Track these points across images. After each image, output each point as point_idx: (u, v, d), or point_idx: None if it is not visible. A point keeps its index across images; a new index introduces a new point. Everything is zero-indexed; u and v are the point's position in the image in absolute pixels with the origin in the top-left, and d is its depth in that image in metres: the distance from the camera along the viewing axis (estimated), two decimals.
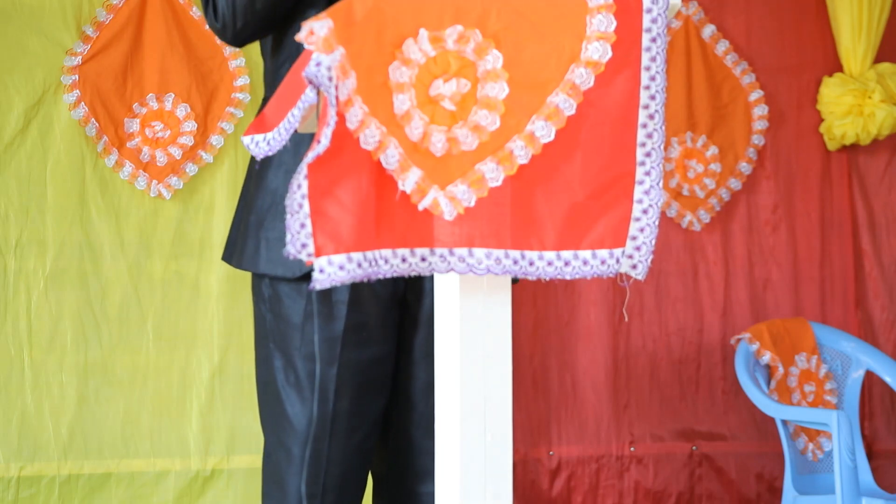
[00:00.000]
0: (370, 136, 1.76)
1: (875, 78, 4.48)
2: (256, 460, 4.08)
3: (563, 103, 1.84)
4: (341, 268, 1.73)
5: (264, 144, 1.86)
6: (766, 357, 4.10)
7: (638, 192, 1.88)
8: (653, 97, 1.88)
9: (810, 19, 4.59)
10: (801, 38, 4.58)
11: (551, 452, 4.33)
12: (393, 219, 1.80)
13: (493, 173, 1.84)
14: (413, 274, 1.83)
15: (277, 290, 2.47)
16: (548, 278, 1.89)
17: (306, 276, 2.39)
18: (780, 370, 4.11)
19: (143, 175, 4.10)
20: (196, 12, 4.14)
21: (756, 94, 4.52)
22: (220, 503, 4.11)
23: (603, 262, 1.88)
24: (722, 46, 4.51)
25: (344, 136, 1.74)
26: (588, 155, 1.87)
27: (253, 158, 2.52)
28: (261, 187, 2.48)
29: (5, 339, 4.00)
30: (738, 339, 4.16)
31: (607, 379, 4.38)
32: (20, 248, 4.02)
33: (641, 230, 1.88)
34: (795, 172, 4.56)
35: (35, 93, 4.05)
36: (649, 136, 1.88)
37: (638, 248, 1.89)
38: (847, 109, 4.46)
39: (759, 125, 4.51)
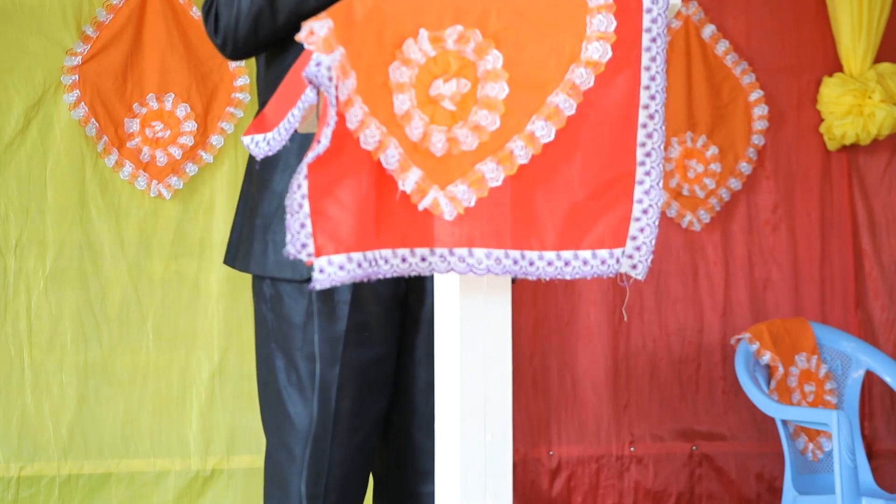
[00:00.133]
0: (370, 136, 1.76)
1: (875, 78, 4.48)
2: (256, 460, 4.08)
3: (563, 103, 1.84)
4: (341, 268, 1.73)
5: (264, 144, 1.86)
6: (766, 357, 4.10)
7: (638, 192, 1.88)
8: (653, 97, 1.88)
9: (810, 19, 4.59)
10: (801, 38, 4.58)
11: (551, 452, 4.33)
12: (393, 219, 1.80)
13: (493, 173, 1.84)
14: (413, 274, 1.83)
15: (279, 290, 2.47)
16: (548, 278, 1.89)
17: (308, 277, 2.39)
18: (780, 370, 4.11)
19: (143, 175, 4.10)
20: (196, 12, 4.14)
21: (756, 94, 4.52)
22: (220, 503, 4.11)
23: (603, 262, 1.88)
24: (722, 46, 4.51)
25: (344, 136, 1.74)
26: (588, 155, 1.87)
27: (252, 159, 2.52)
28: (266, 190, 2.49)
29: (5, 339, 4.00)
30: (738, 339, 4.16)
31: (607, 379, 4.38)
32: (20, 248, 4.02)
33: (641, 230, 1.88)
34: (795, 172, 4.56)
35: (35, 93, 4.05)
36: (649, 136, 1.88)
37: (638, 248, 1.89)
38: (847, 109, 4.46)
39: (759, 125, 4.51)
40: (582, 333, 4.39)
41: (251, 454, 4.10)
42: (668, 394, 4.42)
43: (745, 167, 4.49)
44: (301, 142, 2.34)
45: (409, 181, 1.79)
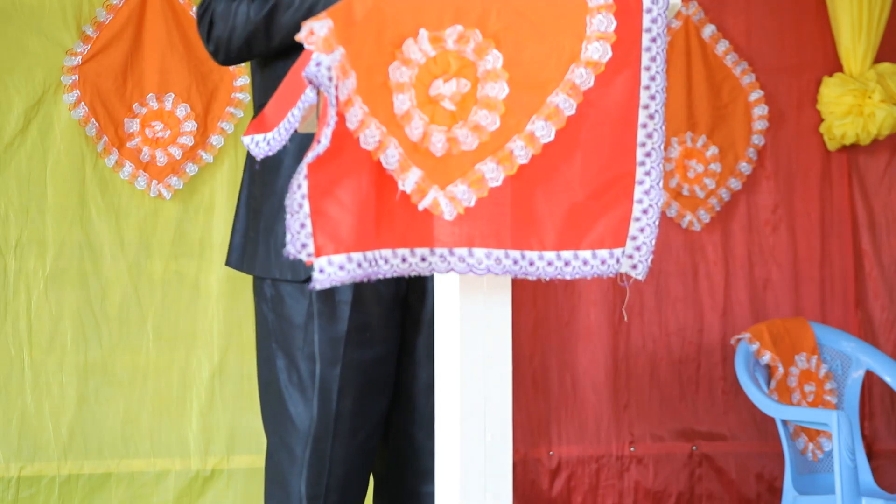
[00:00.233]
0: (370, 136, 1.76)
1: (875, 78, 4.48)
2: (256, 460, 4.08)
3: (563, 103, 1.84)
4: (341, 268, 1.73)
5: (264, 144, 1.86)
6: (766, 357, 4.10)
7: (638, 192, 1.88)
8: (653, 97, 1.88)
9: (810, 19, 4.58)
10: (801, 38, 4.58)
11: (551, 452, 4.33)
12: (393, 219, 1.80)
13: (493, 173, 1.84)
14: (413, 274, 1.83)
15: (280, 290, 2.47)
16: (548, 278, 1.89)
17: (308, 277, 2.39)
18: (780, 370, 4.11)
19: (143, 175, 4.10)
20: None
21: (756, 94, 4.51)
22: (220, 503, 4.11)
23: (603, 262, 1.88)
24: (722, 46, 4.51)
25: (344, 136, 1.74)
26: (588, 155, 1.87)
27: (252, 159, 2.52)
28: (267, 191, 2.49)
29: (5, 339, 4.00)
30: (738, 339, 4.16)
31: (607, 379, 4.38)
32: (20, 248, 4.02)
33: (641, 230, 1.88)
34: (795, 172, 4.55)
35: (35, 93, 4.05)
36: (649, 136, 1.88)
37: (638, 248, 1.89)
38: (847, 109, 4.46)
39: (759, 125, 4.51)
40: (582, 333, 4.39)
41: (251, 454, 4.10)
42: (668, 394, 4.42)
43: (745, 167, 4.49)
44: (300, 142, 2.34)
45: (409, 181, 1.79)
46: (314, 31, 1.70)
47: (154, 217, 4.13)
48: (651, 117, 1.88)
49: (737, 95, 4.51)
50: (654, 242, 1.89)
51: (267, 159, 2.40)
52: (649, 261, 1.90)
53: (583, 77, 1.85)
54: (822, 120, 4.55)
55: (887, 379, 4.15)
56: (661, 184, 1.89)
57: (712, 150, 4.47)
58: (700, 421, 4.42)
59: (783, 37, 4.57)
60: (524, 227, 1.86)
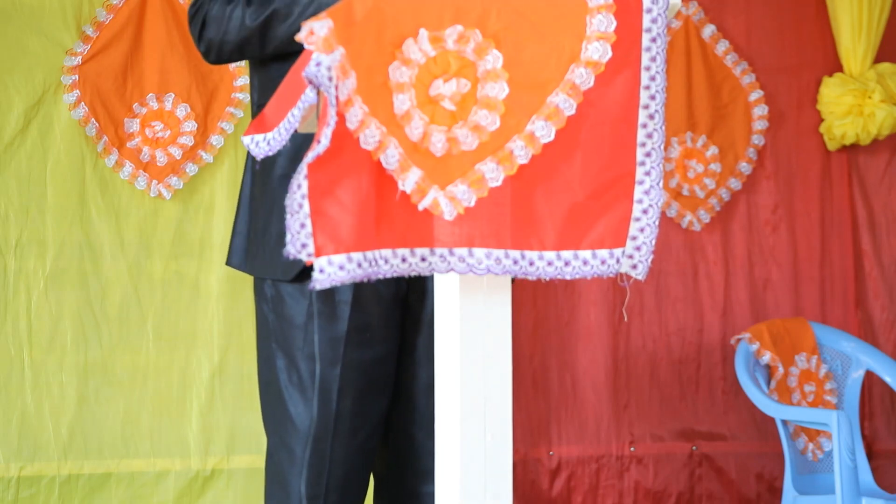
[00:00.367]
0: (370, 136, 1.76)
1: (875, 78, 4.48)
2: (256, 460, 4.08)
3: (563, 103, 1.84)
4: (341, 268, 1.73)
5: (264, 144, 1.86)
6: (766, 357, 4.10)
7: (638, 192, 1.88)
8: (653, 97, 1.88)
9: (810, 19, 4.58)
10: (801, 38, 4.58)
11: (551, 452, 4.33)
12: (393, 219, 1.80)
13: (493, 173, 1.84)
14: (413, 274, 1.83)
15: (280, 290, 2.47)
16: (548, 278, 1.89)
17: (309, 277, 2.39)
18: (780, 370, 4.11)
19: (143, 175, 4.10)
20: None
21: (756, 94, 4.51)
22: (220, 503, 4.11)
23: (603, 262, 1.88)
24: (722, 46, 4.51)
25: (344, 136, 1.74)
26: (588, 155, 1.87)
27: (253, 160, 2.52)
28: (266, 191, 2.49)
29: (5, 339, 4.00)
30: (738, 339, 4.16)
31: (607, 379, 4.38)
32: (20, 248, 4.02)
33: (641, 230, 1.88)
34: (795, 172, 4.55)
35: (35, 93, 4.05)
36: (649, 136, 1.88)
37: (638, 248, 1.89)
38: (847, 109, 4.46)
39: (759, 125, 4.51)
40: (582, 333, 4.39)
41: (251, 454, 4.10)
42: (668, 394, 4.42)
43: (745, 167, 4.49)
44: (296, 143, 2.34)
45: (409, 181, 1.79)
46: (314, 31, 1.70)
47: (154, 217, 4.13)
48: (651, 117, 1.88)
49: (737, 95, 4.51)
50: (654, 242, 1.89)
51: (266, 160, 2.40)
52: (649, 261, 1.90)
53: (583, 77, 1.85)
54: (822, 120, 4.55)
55: (887, 379, 4.15)
56: (661, 184, 1.89)
57: (712, 150, 4.47)
58: (700, 421, 4.42)
59: (783, 37, 4.57)
60: (524, 227, 1.86)
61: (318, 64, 1.69)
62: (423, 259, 1.83)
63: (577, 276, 1.88)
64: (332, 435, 2.43)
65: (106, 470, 4.04)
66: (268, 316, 2.50)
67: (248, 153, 2.35)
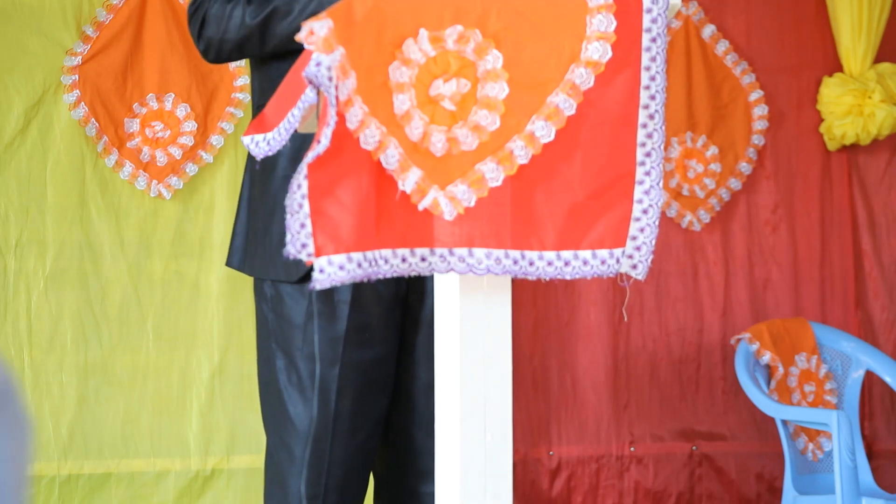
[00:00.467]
0: (370, 136, 1.76)
1: (875, 78, 4.48)
2: (256, 460, 4.08)
3: (563, 103, 1.85)
4: (341, 268, 1.74)
5: (264, 144, 1.86)
6: (766, 357, 4.10)
7: (638, 192, 1.88)
8: (653, 97, 1.88)
9: (810, 19, 4.58)
10: (801, 38, 4.58)
11: (551, 452, 4.33)
12: (393, 219, 1.80)
13: (493, 173, 1.84)
14: (413, 274, 1.83)
15: (280, 290, 2.47)
16: (548, 278, 1.89)
17: (309, 277, 2.39)
18: (780, 370, 4.11)
19: (143, 175, 4.10)
20: None
21: (756, 94, 4.51)
22: (220, 503, 4.11)
23: (603, 262, 1.88)
24: (722, 46, 4.51)
25: (344, 136, 1.74)
26: (588, 155, 1.87)
27: (252, 160, 2.52)
28: (266, 191, 2.49)
29: (5, 339, 4.00)
30: (738, 339, 4.16)
31: (607, 379, 4.38)
32: (20, 248, 4.02)
33: (641, 230, 1.88)
34: (795, 172, 4.55)
35: (35, 93, 4.05)
36: (649, 136, 1.88)
37: (638, 248, 1.89)
38: (847, 109, 4.46)
39: (759, 125, 4.51)
40: (582, 333, 4.39)
41: (251, 454, 4.10)
42: (668, 394, 4.42)
43: (745, 167, 4.49)
44: (296, 144, 2.34)
45: (409, 181, 1.80)
46: (314, 31, 1.70)
47: (154, 217, 4.12)
48: (651, 117, 1.88)
49: (737, 95, 4.51)
50: (654, 242, 1.89)
51: (265, 160, 2.40)
52: (649, 261, 1.90)
53: (583, 77, 1.85)
54: (822, 120, 4.55)
55: (887, 379, 4.15)
56: (661, 184, 1.89)
57: (712, 150, 4.47)
58: (700, 421, 4.42)
59: (783, 37, 4.57)
60: (524, 227, 1.86)
61: (318, 64, 1.69)
62: (423, 259, 1.83)
63: (577, 276, 1.88)
64: (332, 435, 2.43)
65: (106, 470, 4.04)
66: (267, 316, 2.50)
67: (248, 153, 2.35)
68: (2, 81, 4.02)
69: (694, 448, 4.41)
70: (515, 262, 1.85)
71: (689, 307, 4.45)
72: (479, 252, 1.84)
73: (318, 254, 1.72)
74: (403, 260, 1.82)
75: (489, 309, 1.91)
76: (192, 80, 4.15)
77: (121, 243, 4.09)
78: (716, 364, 4.45)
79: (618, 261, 1.89)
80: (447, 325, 1.91)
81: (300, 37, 1.70)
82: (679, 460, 4.41)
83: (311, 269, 1.74)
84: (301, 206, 1.70)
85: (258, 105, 2.52)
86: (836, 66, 4.57)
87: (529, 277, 1.88)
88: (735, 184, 4.49)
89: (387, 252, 1.80)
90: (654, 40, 1.87)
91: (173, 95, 4.13)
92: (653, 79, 1.87)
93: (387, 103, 1.78)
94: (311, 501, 2.44)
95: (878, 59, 4.56)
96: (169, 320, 4.11)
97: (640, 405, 4.39)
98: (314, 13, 2.32)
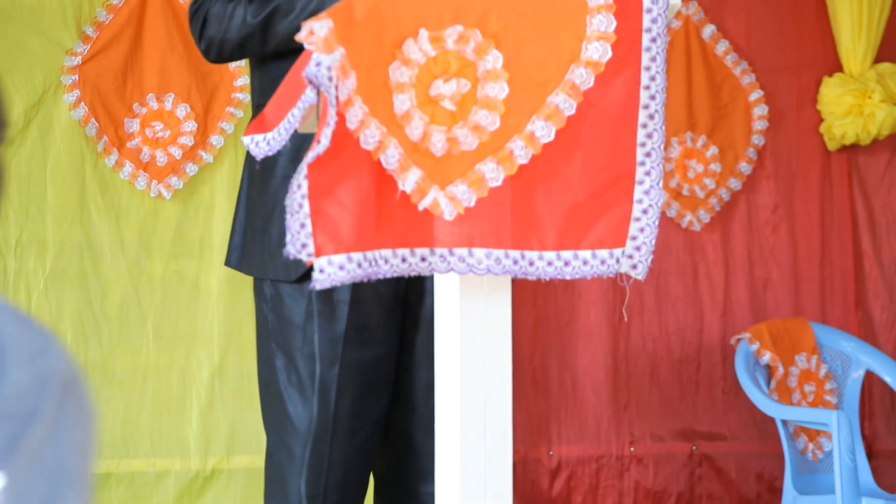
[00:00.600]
0: (370, 136, 1.76)
1: (875, 78, 4.48)
2: (256, 460, 4.08)
3: (563, 103, 1.85)
4: (341, 268, 1.74)
5: (264, 144, 1.86)
6: (766, 357, 4.10)
7: (638, 192, 1.88)
8: (653, 97, 1.88)
9: (810, 19, 4.58)
10: (801, 38, 4.58)
11: (551, 452, 4.33)
12: (393, 219, 1.80)
13: (494, 173, 1.84)
14: (413, 274, 1.83)
15: (279, 290, 2.47)
16: (548, 278, 1.89)
17: (308, 277, 2.39)
18: (780, 370, 4.11)
19: (143, 175, 4.10)
20: None
21: (756, 94, 4.51)
22: (220, 503, 4.11)
23: (603, 262, 1.88)
24: (722, 46, 4.51)
25: (344, 136, 1.74)
26: (588, 155, 1.87)
27: (252, 160, 2.52)
28: (265, 191, 2.49)
29: None
30: (738, 339, 4.16)
31: (607, 379, 4.38)
32: (20, 248, 4.02)
33: (641, 230, 1.88)
34: (795, 172, 4.55)
35: (35, 93, 4.05)
36: (649, 136, 1.88)
37: (638, 248, 1.89)
38: (847, 109, 4.46)
39: (759, 125, 4.51)
40: (582, 333, 4.39)
41: (251, 454, 4.10)
42: (668, 394, 4.42)
43: (745, 167, 4.49)
44: (296, 144, 2.34)
45: (409, 181, 1.80)
46: (314, 31, 1.70)
47: (154, 217, 4.12)
48: (651, 117, 1.88)
49: (737, 95, 4.51)
50: (653, 242, 1.89)
51: (265, 160, 2.40)
52: (649, 261, 1.90)
53: (583, 77, 1.85)
54: (822, 120, 4.55)
55: (887, 379, 4.15)
56: (661, 184, 1.89)
57: (712, 150, 4.47)
58: (700, 421, 4.42)
59: (783, 37, 4.57)
60: (524, 227, 1.86)
61: (318, 64, 1.69)
62: (423, 259, 1.83)
63: (577, 276, 1.88)
64: (331, 435, 2.43)
65: (106, 470, 4.04)
66: (267, 316, 2.50)
67: (247, 153, 2.35)
68: (2, 81, 4.02)
69: (694, 448, 4.41)
70: (515, 262, 1.85)
71: (689, 307, 4.45)
72: (479, 252, 1.84)
73: (318, 254, 1.72)
74: (403, 260, 1.82)
75: (489, 309, 1.91)
76: (192, 80, 4.15)
77: (121, 243, 4.09)
78: (716, 364, 4.45)
79: (618, 261, 1.89)
80: (447, 324, 1.91)
81: (300, 37, 1.70)
82: (679, 460, 4.41)
83: (309, 268, 1.74)
84: (301, 206, 1.70)
85: (258, 105, 2.52)
86: (836, 66, 4.57)
87: (529, 277, 1.88)
88: (735, 184, 4.49)
89: (387, 252, 1.80)
90: (654, 40, 1.87)
91: (173, 95, 4.13)
92: (653, 79, 1.87)
93: (387, 103, 1.78)
94: (311, 501, 2.44)
95: (878, 59, 4.56)
96: (169, 320, 4.12)
97: (640, 405, 4.39)
98: (315, 12, 2.32)
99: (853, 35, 4.51)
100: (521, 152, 1.84)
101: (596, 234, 1.88)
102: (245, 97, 4.19)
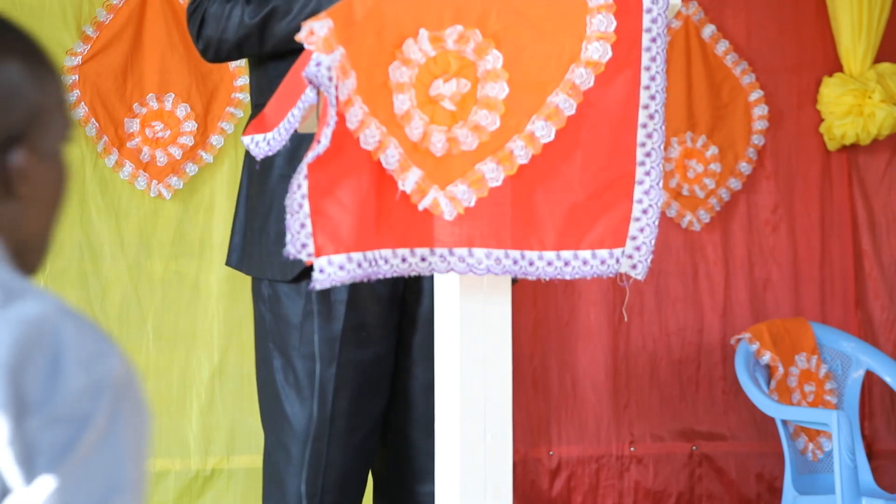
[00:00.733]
0: (370, 136, 1.76)
1: (875, 78, 4.48)
2: (256, 460, 4.08)
3: (563, 103, 1.85)
4: (341, 268, 1.74)
5: (264, 144, 1.86)
6: (766, 357, 4.10)
7: (638, 192, 1.88)
8: (653, 97, 1.88)
9: (810, 19, 4.58)
10: (801, 38, 4.58)
11: (551, 452, 4.33)
12: (393, 219, 1.80)
13: (494, 173, 1.84)
14: (413, 274, 1.83)
15: (277, 290, 2.47)
16: (548, 278, 1.89)
17: (306, 276, 2.39)
18: (780, 370, 4.11)
19: (143, 175, 4.10)
20: None
21: (756, 94, 4.51)
22: (220, 503, 4.11)
23: (603, 262, 1.88)
24: (722, 46, 4.51)
25: (344, 136, 1.74)
26: (588, 155, 1.87)
27: (251, 160, 2.52)
28: (264, 191, 2.49)
29: None
30: (738, 339, 4.16)
31: (607, 379, 4.38)
32: None
33: (641, 230, 1.88)
34: (795, 172, 4.55)
35: None
36: (649, 136, 1.88)
37: (638, 248, 1.89)
38: (847, 109, 4.46)
39: (759, 125, 4.51)
40: (582, 333, 4.39)
41: (251, 454, 4.10)
42: (668, 394, 4.42)
43: (745, 167, 4.49)
44: (294, 144, 2.34)
45: (409, 181, 1.80)
46: (314, 31, 1.70)
47: (154, 217, 4.12)
48: (651, 117, 1.88)
49: (737, 95, 4.51)
50: (653, 242, 1.89)
51: (263, 160, 2.40)
52: (649, 261, 1.90)
53: (583, 77, 1.85)
54: (822, 120, 4.55)
55: (887, 379, 4.15)
56: (660, 184, 1.89)
57: (712, 150, 4.47)
58: (700, 421, 4.42)
59: (783, 37, 4.57)
60: (524, 227, 1.86)
61: (318, 64, 1.69)
62: (423, 259, 1.83)
63: (577, 276, 1.88)
64: (329, 434, 2.42)
65: None
66: (265, 316, 2.50)
67: (247, 153, 2.35)
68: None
69: (694, 448, 4.41)
70: (515, 262, 1.85)
71: (689, 307, 4.45)
72: (479, 252, 1.84)
73: (318, 254, 1.72)
74: (403, 260, 1.82)
75: (489, 309, 1.91)
76: (192, 80, 4.15)
77: (121, 243, 4.09)
78: (716, 364, 4.45)
79: (617, 261, 1.89)
80: (447, 324, 1.91)
81: (300, 37, 1.70)
82: (679, 460, 4.41)
83: (307, 268, 1.74)
84: (301, 205, 1.70)
85: (257, 104, 2.52)
86: (836, 66, 4.57)
87: (529, 277, 1.88)
88: (735, 184, 4.49)
89: (387, 252, 1.80)
90: (654, 40, 1.87)
91: (173, 95, 4.13)
92: (653, 79, 1.87)
93: (387, 103, 1.78)
94: (309, 501, 2.43)
95: (878, 59, 4.56)
96: (169, 320, 4.11)
97: (640, 405, 4.39)
98: (313, 13, 2.32)
99: (853, 35, 4.51)
100: (521, 152, 1.84)
101: (596, 234, 1.88)
102: (245, 97, 4.18)
